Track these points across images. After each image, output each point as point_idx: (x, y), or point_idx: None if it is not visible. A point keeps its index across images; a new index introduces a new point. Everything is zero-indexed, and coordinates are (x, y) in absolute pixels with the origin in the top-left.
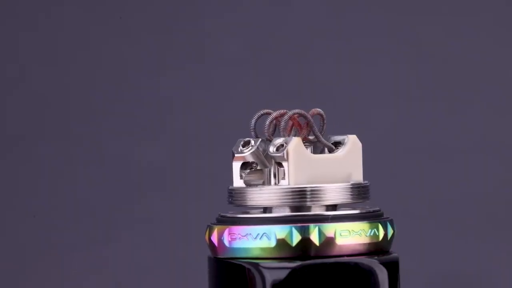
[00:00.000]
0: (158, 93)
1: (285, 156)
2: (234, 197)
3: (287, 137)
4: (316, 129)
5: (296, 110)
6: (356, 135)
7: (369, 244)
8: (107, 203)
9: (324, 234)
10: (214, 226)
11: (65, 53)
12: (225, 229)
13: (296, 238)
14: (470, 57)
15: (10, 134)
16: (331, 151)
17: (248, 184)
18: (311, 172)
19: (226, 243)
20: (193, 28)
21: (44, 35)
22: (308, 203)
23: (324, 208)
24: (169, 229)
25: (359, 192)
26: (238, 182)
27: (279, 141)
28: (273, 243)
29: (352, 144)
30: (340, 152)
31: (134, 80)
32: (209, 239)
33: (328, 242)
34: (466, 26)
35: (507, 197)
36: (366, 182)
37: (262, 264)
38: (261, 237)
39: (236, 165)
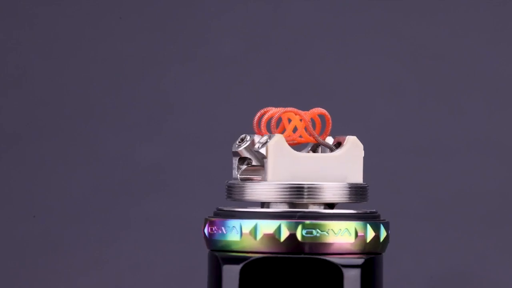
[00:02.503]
0: (156, 92)
1: (264, 153)
2: (230, 191)
3: (273, 134)
4: (311, 128)
5: (289, 108)
6: (356, 135)
7: (353, 244)
8: (107, 203)
9: (287, 231)
10: (206, 219)
11: (64, 53)
12: (207, 222)
13: (260, 233)
14: (469, 56)
15: (9, 133)
16: (332, 151)
17: (244, 179)
18: (296, 170)
19: (207, 235)
20: (193, 27)
21: (41, 34)
22: (305, 200)
23: (322, 206)
24: (169, 228)
25: (357, 192)
26: (235, 177)
27: (265, 138)
28: (238, 237)
29: (350, 145)
30: (337, 152)
31: (134, 80)
32: (203, 231)
33: (292, 238)
34: (466, 25)
35: (506, 197)
36: (364, 183)
37: (220, 256)
38: (231, 230)
39: (234, 161)
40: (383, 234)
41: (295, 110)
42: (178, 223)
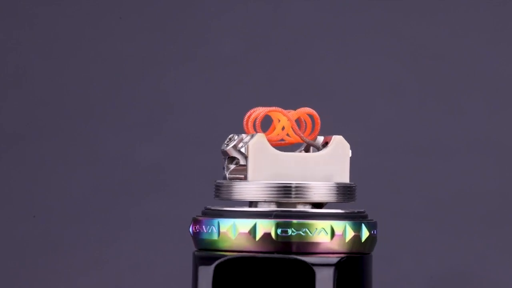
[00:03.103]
0: (156, 92)
1: (245, 152)
2: (218, 191)
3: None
4: (296, 127)
5: (273, 108)
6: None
7: (330, 243)
8: (107, 203)
9: (262, 230)
10: (193, 218)
11: (64, 53)
12: (192, 221)
13: (236, 231)
14: (469, 56)
15: (9, 133)
16: (318, 151)
17: (232, 179)
18: (278, 169)
19: (192, 234)
20: (193, 27)
21: (41, 34)
22: (293, 200)
23: (309, 206)
24: (168, 228)
25: (344, 192)
26: (224, 177)
27: (248, 137)
28: (216, 236)
29: (336, 145)
30: (321, 151)
31: (134, 80)
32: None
33: (267, 237)
34: (466, 25)
35: (506, 197)
36: (352, 183)
37: (198, 255)
38: (211, 229)
39: (223, 160)
40: (365, 233)
41: (280, 109)
42: (178, 223)
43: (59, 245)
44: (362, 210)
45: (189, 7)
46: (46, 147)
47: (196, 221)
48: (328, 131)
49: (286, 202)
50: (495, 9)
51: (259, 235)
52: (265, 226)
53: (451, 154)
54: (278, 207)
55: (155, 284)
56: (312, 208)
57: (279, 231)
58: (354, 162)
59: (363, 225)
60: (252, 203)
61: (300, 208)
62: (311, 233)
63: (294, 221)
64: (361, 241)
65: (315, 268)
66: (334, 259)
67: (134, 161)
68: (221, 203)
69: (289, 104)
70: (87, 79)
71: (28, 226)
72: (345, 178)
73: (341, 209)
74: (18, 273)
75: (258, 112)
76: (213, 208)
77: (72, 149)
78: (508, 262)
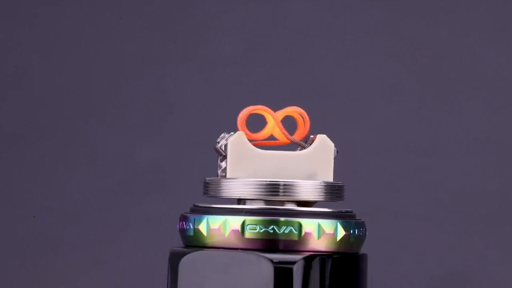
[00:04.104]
0: (156, 92)
1: (224, 149)
2: (206, 188)
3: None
4: (281, 126)
5: (258, 106)
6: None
7: (298, 242)
8: (107, 203)
9: (231, 226)
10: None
11: (64, 53)
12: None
13: (208, 228)
14: (469, 56)
15: (9, 133)
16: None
17: (221, 176)
18: (257, 167)
19: (178, 230)
20: (193, 27)
21: (41, 34)
22: (281, 198)
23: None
24: (168, 228)
25: (332, 191)
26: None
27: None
28: (192, 232)
29: (318, 144)
30: (304, 150)
31: (134, 80)
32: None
33: (235, 234)
34: (466, 25)
35: (506, 197)
36: (340, 182)
37: (170, 251)
38: (189, 225)
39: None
40: (340, 233)
41: (265, 108)
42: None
43: (59, 245)
44: (345, 209)
45: (189, 7)
46: (46, 147)
47: (180, 218)
48: (328, 131)
49: (274, 200)
50: (495, 9)
51: (228, 231)
52: (234, 223)
53: (451, 154)
54: (266, 205)
55: (155, 284)
56: (298, 206)
57: (247, 228)
58: (354, 162)
59: (338, 224)
60: (240, 201)
61: (288, 206)
62: (278, 231)
63: (263, 218)
64: (335, 240)
65: (276, 266)
66: (296, 257)
67: (134, 161)
68: (210, 201)
69: (289, 104)
70: (87, 79)
71: (28, 226)
72: (329, 178)
73: (329, 208)
74: (18, 273)
75: (245, 110)
76: (196, 205)
77: (72, 149)
78: (508, 262)
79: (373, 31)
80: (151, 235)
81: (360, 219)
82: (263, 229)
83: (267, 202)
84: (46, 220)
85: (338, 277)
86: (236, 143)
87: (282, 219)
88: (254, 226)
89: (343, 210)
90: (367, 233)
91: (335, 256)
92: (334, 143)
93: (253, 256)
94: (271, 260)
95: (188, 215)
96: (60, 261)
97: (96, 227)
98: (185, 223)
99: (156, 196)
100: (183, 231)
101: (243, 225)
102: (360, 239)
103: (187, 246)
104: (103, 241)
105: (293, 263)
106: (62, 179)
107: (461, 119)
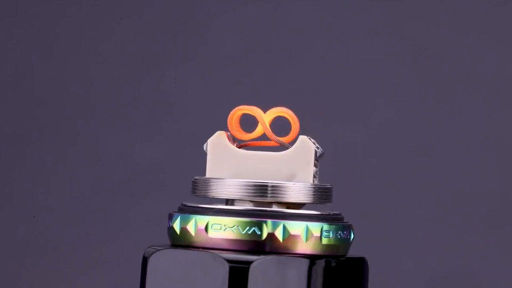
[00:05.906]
0: (156, 92)
1: (205, 149)
2: (194, 187)
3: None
4: (266, 125)
5: (242, 106)
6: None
7: (259, 242)
8: (107, 203)
9: (198, 226)
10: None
11: (64, 53)
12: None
13: (180, 227)
14: (469, 56)
15: (9, 133)
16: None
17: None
18: (237, 167)
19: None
20: (193, 27)
21: (41, 34)
22: (269, 199)
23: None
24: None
25: (320, 193)
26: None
27: None
28: (171, 230)
29: (298, 145)
30: (285, 151)
31: (134, 80)
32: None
33: (201, 233)
34: (466, 25)
35: (506, 197)
36: (328, 184)
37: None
38: (169, 224)
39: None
40: (304, 235)
41: (248, 107)
42: None
43: (59, 245)
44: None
45: (189, 7)
46: (46, 147)
47: (168, 216)
48: (328, 131)
49: (261, 201)
50: (495, 9)
51: (194, 230)
52: (200, 222)
53: (451, 154)
54: (254, 206)
55: None
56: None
57: (211, 227)
58: (354, 162)
59: (307, 226)
60: (228, 201)
61: (274, 207)
62: (242, 231)
63: (226, 218)
64: (303, 241)
65: (230, 266)
66: (253, 257)
67: (134, 161)
68: (198, 200)
69: (289, 104)
70: (87, 79)
71: (28, 226)
72: (308, 179)
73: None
74: (18, 273)
75: (233, 110)
76: (184, 204)
77: (72, 149)
78: (508, 262)
79: (373, 31)
80: (151, 235)
81: (348, 222)
82: (228, 229)
83: (255, 203)
84: (46, 220)
85: (287, 279)
86: (215, 143)
87: (244, 219)
88: (219, 225)
89: (331, 212)
90: (353, 236)
91: (298, 257)
92: (333, 143)
93: (209, 256)
94: (227, 260)
95: (172, 213)
96: (60, 261)
97: (96, 227)
98: (169, 221)
99: (156, 196)
100: (167, 229)
101: (206, 225)
102: (344, 241)
103: (172, 245)
104: (103, 241)
105: (249, 263)
106: (62, 179)
107: (461, 119)
